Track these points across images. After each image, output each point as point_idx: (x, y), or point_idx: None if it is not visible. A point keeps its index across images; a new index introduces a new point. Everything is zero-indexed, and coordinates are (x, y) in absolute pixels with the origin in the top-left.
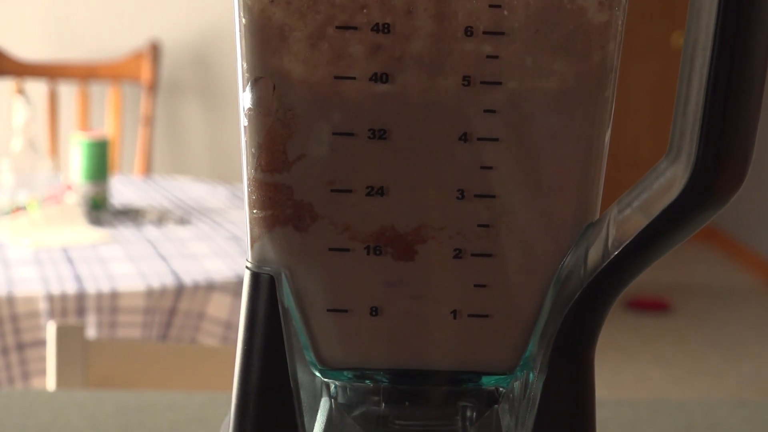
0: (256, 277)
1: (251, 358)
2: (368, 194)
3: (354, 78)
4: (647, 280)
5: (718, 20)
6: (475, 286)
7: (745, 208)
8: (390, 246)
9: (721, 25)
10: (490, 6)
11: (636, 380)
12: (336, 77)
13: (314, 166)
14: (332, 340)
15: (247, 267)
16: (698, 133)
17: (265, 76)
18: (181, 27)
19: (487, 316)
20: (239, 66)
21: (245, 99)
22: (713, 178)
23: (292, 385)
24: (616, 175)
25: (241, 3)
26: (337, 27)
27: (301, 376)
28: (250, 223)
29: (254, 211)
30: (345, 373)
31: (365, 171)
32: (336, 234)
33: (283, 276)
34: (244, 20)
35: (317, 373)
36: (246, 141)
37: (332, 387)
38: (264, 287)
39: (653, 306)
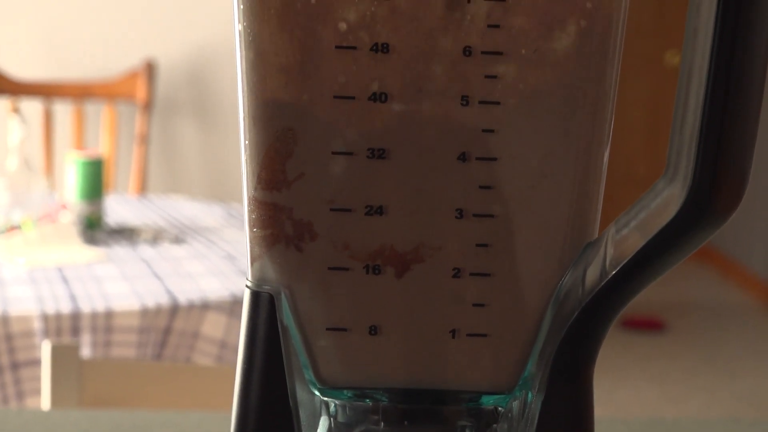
0: (255, 296)
1: (251, 376)
2: (367, 213)
3: (353, 98)
4: (642, 299)
5: (714, 39)
6: (474, 305)
7: (739, 227)
8: (389, 265)
9: (718, 45)
10: (489, 26)
11: (631, 399)
12: (335, 97)
13: (314, 185)
14: (331, 359)
15: (247, 286)
16: (695, 153)
17: (266, 99)
18: (176, 46)
19: (485, 335)
20: (239, 85)
21: (245, 118)
22: (710, 198)
23: (291, 404)
24: (610, 192)
25: (242, 20)
26: (337, 47)
27: (301, 394)
28: (250, 241)
29: (254, 229)
30: (344, 392)
31: (364, 190)
32: (335, 253)
33: (283, 295)
34: (244, 38)
35: (316, 392)
36: (246, 160)
37: (331, 406)
38: (264, 306)
39: (648, 325)
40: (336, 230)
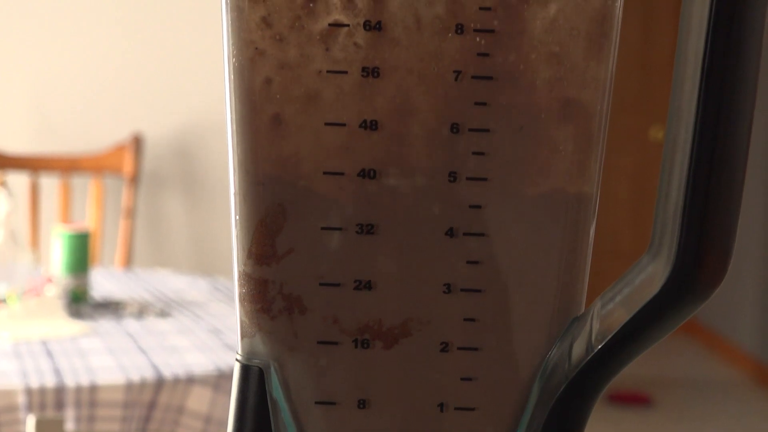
0: (245, 370)
1: None
2: (356, 288)
3: (342, 174)
4: (628, 373)
5: (697, 117)
6: (462, 379)
7: (725, 301)
8: (378, 339)
9: (701, 122)
10: (476, 104)
11: None
12: (325, 173)
13: (303, 260)
14: None
15: (237, 359)
16: (678, 229)
17: (256, 176)
18: (163, 120)
19: (473, 409)
20: (230, 161)
21: (236, 194)
22: (694, 273)
23: None
24: (595, 267)
25: (234, 97)
26: (326, 124)
27: None
28: (240, 315)
29: (244, 303)
30: None
31: (353, 265)
32: (325, 327)
33: (272, 368)
34: (234, 116)
35: None
36: (236, 235)
37: None
38: (253, 379)
39: (634, 400)
40: (325, 304)
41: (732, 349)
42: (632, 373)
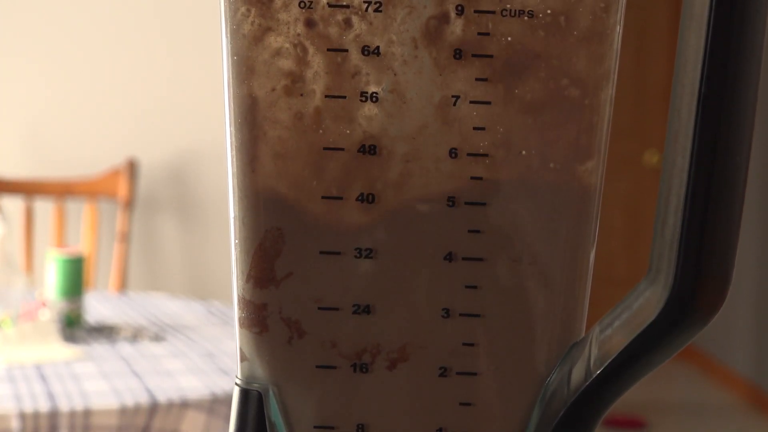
0: (245, 394)
1: None
2: (355, 312)
3: (341, 198)
4: (624, 397)
5: (694, 143)
6: (461, 404)
7: (720, 325)
8: (376, 363)
9: (698, 148)
10: (474, 129)
11: None
12: (323, 197)
13: (302, 284)
14: None
15: (236, 383)
16: (676, 255)
17: (255, 199)
18: (158, 145)
19: None
20: (230, 185)
21: (235, 218)
22: (692, 299)
23: None
24: (591, 293)
25: (232, 124)
26: (325, 148)
27: None
28: (240, 340)
29: (243, 328)
30: None
31: (352, 289)
32: (323, 351)
33: (271, 392)
34: (234, 141)
35: None
36: (235, 259)
37: None
38: (252, 403)
39: (629, 424)
40: (324, 329)
41: (726, 372)
42: (628, 396)
